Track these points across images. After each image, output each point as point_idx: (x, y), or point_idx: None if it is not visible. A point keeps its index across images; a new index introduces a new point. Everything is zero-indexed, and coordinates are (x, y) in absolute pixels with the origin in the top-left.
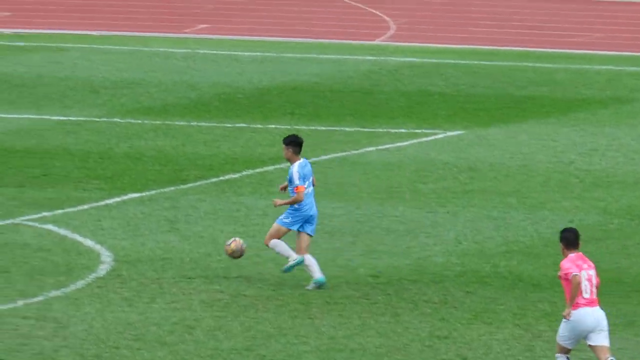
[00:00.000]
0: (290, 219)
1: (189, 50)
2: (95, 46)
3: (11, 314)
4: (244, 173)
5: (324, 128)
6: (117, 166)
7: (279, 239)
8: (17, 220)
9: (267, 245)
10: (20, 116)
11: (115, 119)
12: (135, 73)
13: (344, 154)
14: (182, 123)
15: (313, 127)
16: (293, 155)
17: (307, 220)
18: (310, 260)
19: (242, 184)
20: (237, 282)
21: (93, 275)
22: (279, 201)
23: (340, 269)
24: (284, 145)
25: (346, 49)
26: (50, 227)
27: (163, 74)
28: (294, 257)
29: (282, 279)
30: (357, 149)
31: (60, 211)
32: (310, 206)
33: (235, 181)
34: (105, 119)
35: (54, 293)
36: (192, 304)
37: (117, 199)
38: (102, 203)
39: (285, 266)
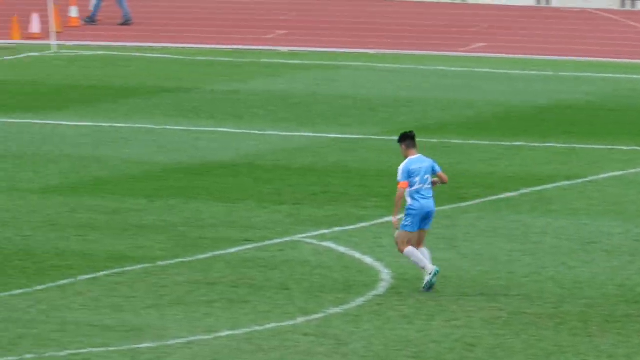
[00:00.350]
0: (409, 220)
1: (466, 69)
2: (370, 64)
3: (291, 330)
4: (522, 191)
5: (600, 147)
6: (395, 184)
7: (411, 244)
8: (296, 237)
9: (401, 252)
10: (296, 134)
11: (393, 137)
12: (412, 91)
13: (621, 172)
14: (459, 141)
15: (589, 146)
16: (406, 151)
17: (425, 217)
18: (423, 253)
19: (520, 202)
20: (517, 300)
21: (372, 293)
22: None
23: (619, 288)
24: (399, 144)
25: (622, 68)
26: (329, 244)
27: (439, 92)
28: (429, 270)
29: (562, 296)
30: (635, 168)
31: (338, 229)
32: (425, 203)
33: (512, 199)
34: (383, 137)
35: (333, 310)
36: (472, 321)
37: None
38: (381, 221)
39: (424, 284)
